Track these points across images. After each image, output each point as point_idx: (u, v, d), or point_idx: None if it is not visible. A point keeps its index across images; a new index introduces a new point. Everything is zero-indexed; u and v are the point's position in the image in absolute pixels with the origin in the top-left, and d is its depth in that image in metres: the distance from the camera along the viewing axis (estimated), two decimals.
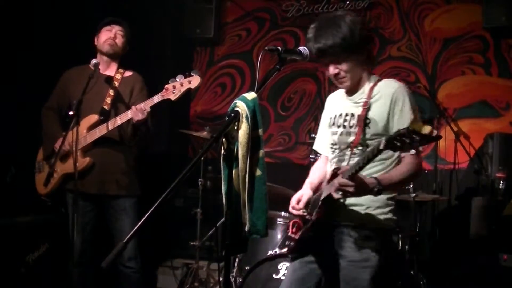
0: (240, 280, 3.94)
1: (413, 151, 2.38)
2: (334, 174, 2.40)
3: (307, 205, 2.60)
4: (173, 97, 3.37)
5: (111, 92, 3.66)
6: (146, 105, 3.42)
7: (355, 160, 2.39)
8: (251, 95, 2.11)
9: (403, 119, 2.40)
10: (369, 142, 2.45)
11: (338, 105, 2.66)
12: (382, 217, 2.49)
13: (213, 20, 5.90)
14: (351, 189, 2.25)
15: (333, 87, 5.65)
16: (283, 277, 3.57)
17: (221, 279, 4.20)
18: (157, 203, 1.82)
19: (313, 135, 4.20)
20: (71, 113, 3.35)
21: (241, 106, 2.07)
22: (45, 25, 4.52)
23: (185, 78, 3.36)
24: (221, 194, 2.11)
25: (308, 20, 5.80)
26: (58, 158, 3.57)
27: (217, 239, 4.57)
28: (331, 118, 2.67)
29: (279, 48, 2.29)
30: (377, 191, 2.31)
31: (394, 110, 2.44)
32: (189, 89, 3.36)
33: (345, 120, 2.56)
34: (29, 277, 3.89)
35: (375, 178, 2.33)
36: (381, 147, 2.05)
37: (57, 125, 3.72)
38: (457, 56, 5.31)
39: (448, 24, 5.37)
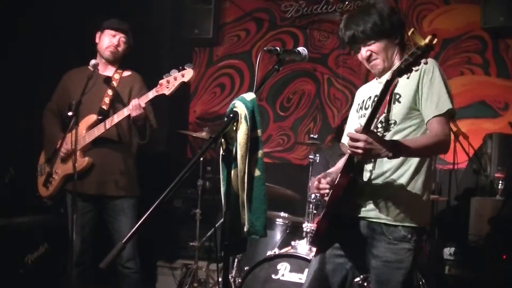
0: (239, 280, 3.94)
1: (437, 113, 2.35)
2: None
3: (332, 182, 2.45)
4: (167, 92, 3.37)
5: (110, 92, 3.66)
6: (141, 101, 3.42)
7: (397, 136, 2.33)
8: (250, 96, 2.11)
9: (432, 92, 2.38)
10: (396, 118, 2.39)
11: (368, 90, 2.64)
12: (419, 216, 2.40)
13: (212, 21, 5.90)
14: (361, 144, 2.13)
15: (333, 87, 5.62)
16: (282, 277, 3.58)
17: (220, 279, 4.20)
18: (156, 204, 1.82)
19: (312, 136, 4.21)
20: (70, 113, 3.35)
21: (240, 106, 2.07)
22: (45, 25, 4.52)
23: (178, 72, 3.36)
24: (220, 195, 2.11)
25: (307, 21, 5.82)
26: (58, 159, 3.57)
27: (216, 239, 4.56)
28: (359, 104, 2.64)
29: (278, 48, 2.29)
30: (393, 153, 2.19)
31: (423, 80, 2.39)
32: (183, 83, 3.36)
33: (374, 101, 2.47)
34: (28, 277, 3.89)
35: (393, 140, 2.27)
36: (389, 77, 2.12)
37: (58, 128, 3.72)
38: (456, 56, 5.31)
39: (446, 24, 5.37)
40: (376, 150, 2.16)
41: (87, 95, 3.44)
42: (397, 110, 2.39)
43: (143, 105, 3.42)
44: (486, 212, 4.14)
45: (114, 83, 3.70)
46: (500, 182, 4.35)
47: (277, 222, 4.12)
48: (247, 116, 2.06)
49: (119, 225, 3.64)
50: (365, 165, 2.38)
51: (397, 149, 2.21)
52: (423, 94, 2.38)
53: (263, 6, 6.04)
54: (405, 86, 2.37)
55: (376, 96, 2.40)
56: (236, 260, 4.11)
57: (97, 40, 3.75)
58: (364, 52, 2.51)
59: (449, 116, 2.42)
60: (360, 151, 2.15)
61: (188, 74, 3.34)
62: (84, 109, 3.48)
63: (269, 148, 5.65)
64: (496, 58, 5.17)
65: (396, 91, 2.38)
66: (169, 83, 3.36)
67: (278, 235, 4.01)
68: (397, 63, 2.46)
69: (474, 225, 4.22)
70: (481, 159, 4.69)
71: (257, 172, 2.11)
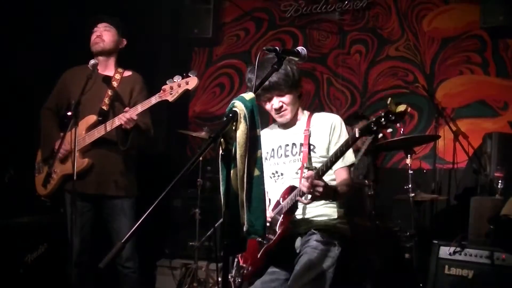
0: (239, 280, 3.94)
1: (343, 165, 2.73)
2: (291, 189, 2.65)
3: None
4: (170, 98, 3.36)
5: (110, 92, 3.66)
6: (131, 114, 3.42)
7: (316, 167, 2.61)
8: (249, 95, 2.10)
9: (339, 144, 2.59)
10: (315, 165, 2.67)
11: (275, 139, 2.91)
12: (342, 226, 2.78)
13: (212, 20, 5.90)
14: (321, 189, 2.43)
15: (332, 87, 5.63)
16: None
17: (220, 279, 4.20)
18: (155, 204, 1.82)
19: None
20: (69, 113, 3.35)
21: (239, 106, 2.07)
22: (45, 25, 4.52)
23: (182, 79, 3.35)
24: (219, 195, 2.11)
25: (307, 20, 5.82)
26: (57, 159, 3.57)
27: (216, 239, 4.57)
28: (267, 153, 2.90)
29: (277, 48, 2.29)
30: (333, 196, 2.59)
31: (333, 136, 2.77)
32: (186, 90, 3.36)
33: (286, 150, 2.83)
34: (28, 277, 3.89)
35: (332, 185, 2.61)
36: (357, 135, 2.24)
37: (56, 127, 3.71)
38: (455, 55, 5.32)
39: (446, 24, 5.37)
40: (327, 194, 2.52)
41: (87, 95, 3.44)
42: (315, 159, 2.75)
43: (135, 118, 3.43)
44: (486, 212, 4.13)
45: (115, 83, 3.69)
46: (500, 181, 4.34)
47: None
48: (247, 116, 2.05)
49: (118, 225, 3.64)
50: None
51: (335, 194, 2.60)
52: (331, 145, 2.77)
53: (262, 5, 6.04)
54: (317, 138, 2.78)
55: (292, 144, 2.81)
56: (235, 259, 4.11)
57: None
58: (276, 102, 2.78)
59: (351, 166, 2.83)
60: (318, 194, 2.46)
61: (192, 82, 3.34)
62: (84, 109, 3.48)
63: None
64: (496, 57, 5.17)
65: (311, 142, 2.77)
66: (173, 89, 3.35)
67: None
68: (300, 114, 2.89)
69: (473, 224, 4.21)
70: (480, 158, 4.70)
71: (256, 172, 2.11)
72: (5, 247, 3.76)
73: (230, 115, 2.05)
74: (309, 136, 2.77)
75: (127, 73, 3.79)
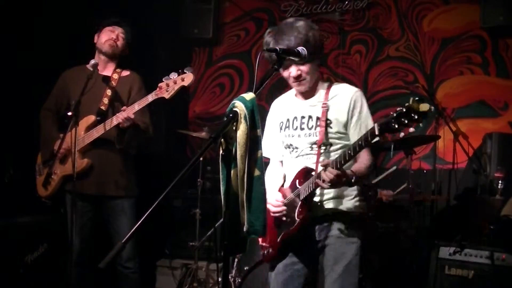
0: (239, 280, 3.95)
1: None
2: (305, 172, 2.57)
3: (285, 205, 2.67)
4: (167, 95, 3.37)
5: (108, 92, 3.66)
6: (128, 113, 3.42)
7: (333, 156, 2.56)
8: (249, 95, 2.10)
9: (361, 121, 2.61)
10: (331, 141, 2.61)
11: (291, 108, 2.78)
12: (360, 206, 2.69)
13: (212, 20, 5.90)
14: (340, 179, 2.39)
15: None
16: None
17: (220, 279, 4.20)
18: (155, 204, 1.82)
19: None
20: (69, 113, 3.35)
21: (239, 106, 2.07)
22: (45, 25, 4.52)
23: (178, 75, 3.36)
24: (219, 195, 2.11)
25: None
26: (57, 160, 3.57)
27: (216, 239, 4.57)
28: (282, 122, 2.78)
29: (278, 48, 2.29)
30: (354, 182, 2.52)
31: (353, 111, 2.62)
32: (182, 87, 3.36)
33: (302, 122, 2.70)
34: (28, 277, 3.89)
35: (351, 170, 2.52)
36: (377, 132, 2.14)
37: (55, 127, 3.72)
38: (455, 56, 5.31)
39: (446, 24, 5.37)
40: (347, 183, 2.49)
41: (86, 95, 3.44)
42: (331, 134, 2.63)
43: (132, 117, 3.43)
44: (486, 212, 4.14)
45: (113, 83, 3.70)
46: (500, 181, 4.35)
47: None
48: (247, 116, 2.05)
49: (118, 225, 3.64)
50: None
51: (354, 181, 2.53)
52: (352, 125, 2.63)
53: (262, 6, 6.04)
54: (335, 112, 2.63)
55: (308, 117, 2.67)
56: (236, 260, 4.11)
57: (95, 40, 3.75)
58: (294, 70, 2.61)
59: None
60: (337, 185, 2.44)
61: (188, 78, 3.35)
62: (83, 109, 3.48)
63: None
64: (496, 57, 5.17)
65: (328, 117, 2.63)
66: (169, 86, 3.36)
67: None
68: (319, 84, 2.71)
69: (473, 224, 4.22)
70: (480, 158, 4.70)
71: (256, 172, 2.10)
72: (5, 247, 3.76)
73: (231, 115, 2.05)
74: (327, 110, 2.63)
75: (125, 72, 3.79)
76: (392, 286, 4.19)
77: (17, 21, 4.41)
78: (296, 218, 2.59)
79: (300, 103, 2.74)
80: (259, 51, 2.49)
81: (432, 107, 2.00)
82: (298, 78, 2.63)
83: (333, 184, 2.41)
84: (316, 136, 2.63)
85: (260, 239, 2.79)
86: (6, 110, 4.26)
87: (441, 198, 4.69)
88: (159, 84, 3.39)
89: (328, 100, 2.65)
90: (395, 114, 2.04)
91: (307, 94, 2.71)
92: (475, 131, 5.02)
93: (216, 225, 4.40)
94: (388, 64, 5.54)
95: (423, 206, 4.90)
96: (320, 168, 2.45)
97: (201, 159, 4.21)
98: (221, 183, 2.12)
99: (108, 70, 3.75)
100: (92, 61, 3.57)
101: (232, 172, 2.10)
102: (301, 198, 2.58)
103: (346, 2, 5.62)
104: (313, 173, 2.56)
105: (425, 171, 4.99)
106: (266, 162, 2.24)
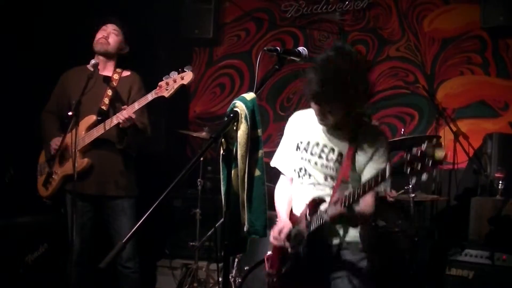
0: (239, 280, 3.94)
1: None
2: (315, 204, 2.50)
3: (289, 236, 2.59)
4: (166, 94, 3.38)
5: (109, 92, 3.67)
6: (129, 113, 3.42)
7: (345, 191, 2.43)
8: (250, 96, 2.11)
9: (376, 164, 2.47)
10: (349, 179, 2.50)
11: (313, 132, 2.62)
12: (368, 229, 2.67)
13: (212, 21, 5.90)
14: (342, 218, 2.32)
15: None
16: None
17: (220, 279, 4.20)
18: (155, 204, 1.82)
19: None
20: (70, 113, 3.35)
21: (240, 106, 2.07)
22: (45, 25, 4.52)
23: (178, 74, 3.36)
24: (220, 195, 2.11)
25: (307, 21, 5.82)
26: (57, 159, 3.57)
27: (216, 239, 4.57)
28: (301, 143, 2.64)
29: (278, 48, 2.29)
30: (358, 224, 2.50)
31: (372, 158, 2.48)
32: (182, 85, 3.37)
33: (322, 151, 2.56)
34: (28, 277, 3.89)
35: (357, 212, 2.42)
36: (388, 172, 2.06)
37: (57, 129, 3.72)
38: (456, 56, 5.31)
39: (446, 24, 5.37)
40: (352, 223, 2.47)
41: (87, 95, 3.45)
42: (351, 174, 2.51)
43: (133, 116, 3.43)
44: (486, 212, 4.14)
45: (114, 83, 3.70)
46: (500, 182, 4.34)
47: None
48: (248, 116, 2.06)
49: (118, 225, 3.64)
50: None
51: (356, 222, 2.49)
52: (368, 164, 2.49)
53: (263, 6, 6.04)
54: (360, 153, 2.49)
55: (330, 148, 2.53)
56: (236, 260, 4.11)
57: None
58: (317, 108, 2.43)
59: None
60: (339, 222, 2.41)
61: (187, 76, 3.35)
62: (84, 109, 3.48)
63: (269, 148, 5.63)
64: (496, 58, 5.17)
65: (352, 157, 2.49)
66: (169, 85, 3.36)
67: None
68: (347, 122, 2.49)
69: (474, 225, 4.22)
70: (481, 159, 4.69)
71: (257, 172, 2.11)
72: (5, 247, 3.77)
73: (231, 115, 2.06)
74: (354, 151, 2.48)
75: (126, 73, 3.79)
76: (392, 286, 4.19)
77: (17, 21, 4.41)
78: (301, 252, 2.53)
79: (325, 131, 2.58)
80: (259, 52, 2.47)
81: (448, 156, 1.90)
82: (320, 116, 2.47)
83: (335, 220, 2.36)
84: (335, 170, 2.53)
85: (266, 264, 2.75)
86: (7, 110, 4.26)
87: (441, 199, 4.68)
88: (159, 83, 3.40)
89: (356, 141, 2.51)
90: (408, 157, 1.96)
91: (335, 126, 2.55)
92: (476, 131, 5.02)
93: (216, 225, 4.40)
94: (389, 64, 5.54)
95: (423, 206, 4.89)
96: (332, 204, 2.38)
97: (201, 159, 4.21)
98: (222, 183, 2.12)
99: (108, 70, 3.76)
100: (93, 61, 3.57)
101: (232, 172, 2.10)
102: (308, 231, 2.51)
103: (347, 2, 5.61)
104: (322, 205, 2.50)
105: None
106: (266, 163, 2.23)
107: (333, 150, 2.54)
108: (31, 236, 4.00)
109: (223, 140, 2.05)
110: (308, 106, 2.59)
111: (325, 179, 2.55)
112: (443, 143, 1.92)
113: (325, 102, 2.35)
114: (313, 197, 2.54)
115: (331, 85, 2.28)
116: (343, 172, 2.49)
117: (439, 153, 1.87)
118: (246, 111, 2.06)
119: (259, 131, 2.13)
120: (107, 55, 3.73)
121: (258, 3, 6.06)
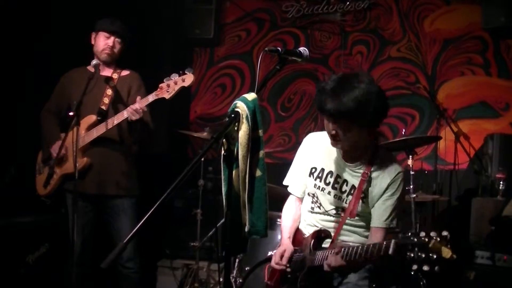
0: (240, 280, 3.94)
1: (384, 225, 2.49)
2: (320, 238, 2.54)
3: (290, 260, 2.63)
4: (167, 96, 3.38)
5: (109, 92, 3.67)
6: (141, 105, 3.43)
7: (348, 241, 2.51)
8: (251, 96, 2.10)
9: (387, 204, 2.49)
10: (359, 213, 2.52)
11: (329, 160, 2.61)
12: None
13: (213, 21, 5.90)
14: (344, 270, 2.39)
15: None
16: None
17: (221, 279, 4.20)
18: (157, 204, 1.82)
19: None
20: (71, 113, 3.36)
21: (241, 106, 2.07)
22: (45, 26, 4.52)
23: (179, 76, 3.37)
24: (221, 195, 2.11)
25: (308, 21, 5.82)
26: (57, 159, 3.57)
27: (217, 239, 4.57)
28: (315, 169, 2.64)
29: (279, 49, 2.28)
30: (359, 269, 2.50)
31: (385, 191, 2.48)
32: (183, 87, 3.37)
33: (336, 182, 2.57)
34: (29, 277, 3.89)
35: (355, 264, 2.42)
36: (391, 251, 2.09)
37: (56, 128, 3.72)
38: (457, 56, 5.31)
39: (447, 24, 5.36)
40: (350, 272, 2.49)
41: (87, 96, 3.45)
42: (361, 208, 2.52)
43: (144, 109, 3.43)
44: (487, 213, 4.14)
45: (113, 83, 3.71)
46: (501, 182, 4.35)
47: (278, 222, 4.10)
48: (249, 116, 2.05)
49: (119, 225, 3.64)
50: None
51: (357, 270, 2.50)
52: (379, 201, 2.50)
53: (264, 6, 6.04)
54: (373, 188, 2.49)
55: (344, 180, 2.53)
56: (237, 260, 4.11)
57: (92, 42, 3.76)
58: (331, 127, 2.42)
59: (389, 230, 2.56)
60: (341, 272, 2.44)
61: (188, 78, 3.35)
62: (84, 110, 3.48)
63: (270, 148, 5.65)
64: (497, 58, 5.17)
65: (364, 191, 2.50)
66: (170, 87, 3.36)
67: (279, 235, 3.99)
68: (363, 150, 2.49)
69: (475, 225, 4.22)
70: (482, 159, 4.69)
71: (258, 172, 2.11)
72: (6, 247, 3.77)
73: (232, 115, 2.06)
74: (366, 184, 2.47)
75: (125, 72, 3.80)
76: (392, 286, 4.18)
77: (18, 22, 4.41)
78: (298, 284, 2.54)
79: (341, 161, 2.57)
80: (260, 52, 2.47)
81: (454, 256, 1.83)
82: (333, 136, 2.44)
83: (333, 270, 2.40)
84: (346, 203, 2.53)
85: (266, 275, 2.76)
86: (7, 110, 4.27)
87: (442, 199, 4.68)
88: (160, 85, 3.40)
89: (370, 173, 2.49)
90: (415, 240, 1.98)
91: (348, 154, 2.54)
92: (477, 132, 5.02)
93: (217, 225, 4.41)
94: (390, 65, 5.54)
95: (424, 207, 4.89)
96: (333, 254, 2.40)
97: (202, 159, 4.21)
98: (223, 183, 2.12)
99: (108, 70, 3.76)
100: (94, 62, 3.58)
101: (233, 172, 2.10)
102: (308, 265, 2.54)
103: (348, 3, 5.61)
104: (325, 242, 2.54)
105: (426, 172, 4.98)
106: (267, 163, 2.23)
107: (346, 182, 2.55)
108: (32, 236, 4.00)
109: (224, 140, 2.05)
110: (315, 114, 2.61)
111: (336, 210, 2.57)
112: (452, 255, 1.86)
113: (346, 119, 2.33)
114: (319, 229, 2.57)
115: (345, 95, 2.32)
116: (351, 206, 2.50)
117: (446, 253, 1.89)
118: (247, 112, 2.06)
119: (260, 131, 2.12)
120: (109, 62, 3.75)
121: (259, 4, 6.06)
